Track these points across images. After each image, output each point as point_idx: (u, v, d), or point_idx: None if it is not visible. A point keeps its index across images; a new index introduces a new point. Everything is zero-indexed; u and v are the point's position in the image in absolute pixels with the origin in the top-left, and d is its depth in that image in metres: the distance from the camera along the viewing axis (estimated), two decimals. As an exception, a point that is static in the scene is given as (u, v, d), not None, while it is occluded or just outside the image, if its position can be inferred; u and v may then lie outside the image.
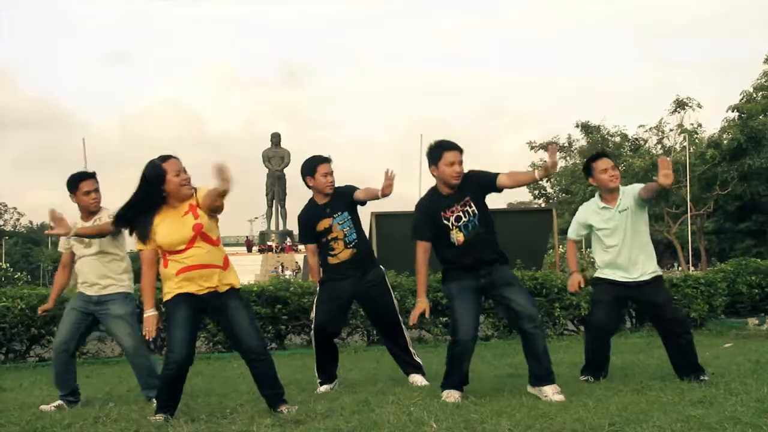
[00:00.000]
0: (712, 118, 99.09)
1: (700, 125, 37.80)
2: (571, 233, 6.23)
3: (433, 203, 5.38)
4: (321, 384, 6.18)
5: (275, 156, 44.94)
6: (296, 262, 42.42)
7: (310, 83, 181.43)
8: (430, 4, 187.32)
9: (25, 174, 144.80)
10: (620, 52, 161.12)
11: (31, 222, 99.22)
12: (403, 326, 6.47)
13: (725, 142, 36.54)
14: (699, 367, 5.69)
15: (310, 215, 6.23)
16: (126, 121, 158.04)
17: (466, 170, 5.34)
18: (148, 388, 5.86)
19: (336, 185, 6.21)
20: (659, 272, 5.95)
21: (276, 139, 45.47)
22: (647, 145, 38.54)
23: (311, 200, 6.28)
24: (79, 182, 5.88)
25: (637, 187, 5.79)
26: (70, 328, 5.94)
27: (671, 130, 37.07)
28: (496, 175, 5.29)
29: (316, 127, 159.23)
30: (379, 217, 15.67)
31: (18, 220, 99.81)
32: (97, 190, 5.91)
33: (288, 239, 48.43)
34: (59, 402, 5.85)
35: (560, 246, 28.20)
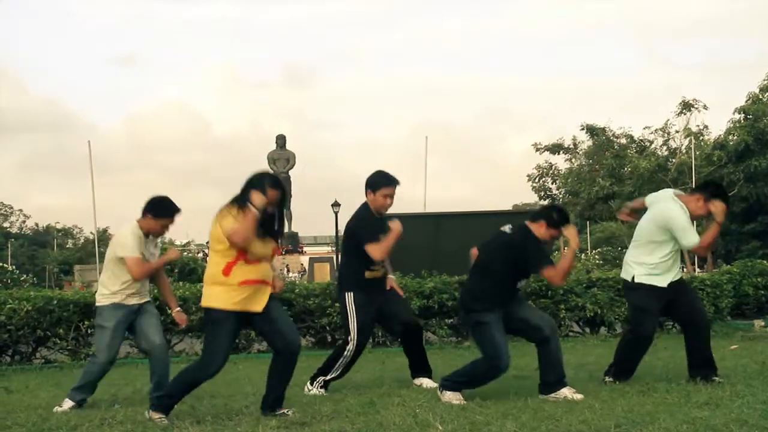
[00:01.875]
0: (718, 120, 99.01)
1: (706, 126, 37.75)
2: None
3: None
4: (322, 386, 6.18)
5: (280, 158, 44.99)
6: (301, 264, 42.42)
7: (315, 84, 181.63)
8: (434, 4, 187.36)
9: (32, 176, 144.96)
10: (625, 53, 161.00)
11: (37, 224, 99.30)
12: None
13: (731, 143, 36.47)
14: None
15: (375, 221, 6.13)
16: (132, 123, 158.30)
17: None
18: (159, 389, 5.83)
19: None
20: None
21: (281, 141, 45.52)
22: (653, 146, 38.46)
23: (367, 207, 6.21)
24: (172, 215, 5.95)
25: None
26: (118, 345, 5.96)
27: (677, 132, 37.00)
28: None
29: (320, 129, 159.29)
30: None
31: (24, 222, 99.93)
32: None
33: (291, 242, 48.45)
34: (72, 404, 5.78)
35: (565, 247, 28.20)
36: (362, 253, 6.00)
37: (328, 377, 6.16)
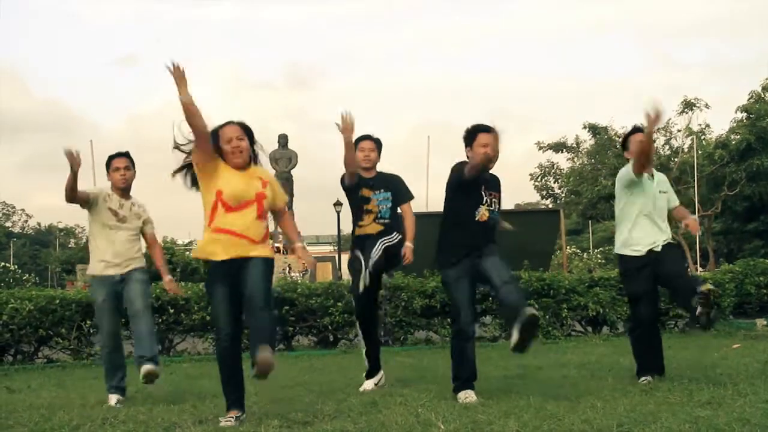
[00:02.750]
0: (719, 119, 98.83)
1: (708, 126, 37.72)
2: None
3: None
4: (367, 376, 6.18)
5: (282, 157, 44.95)
6: (303, 264, 42.40)
7: (318, 85, 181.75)
8: (436, 5, 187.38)
9: (34, 176, 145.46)
10: (626, 53, 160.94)
11: (39, 224, 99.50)
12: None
13: (733, 142, 36.45)
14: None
15: (357, 176, 6.17)
16: (135, 123, 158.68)
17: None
18: (142, 354, 5.92)
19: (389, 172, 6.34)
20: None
21: (283, 140, 45.47)
22: (655, 145, 38.45)
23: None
24: (111, 159, 6.14)
25: (671, 190, 6.14)
26: (111, 318, 6.05)
27: (679, 131, 36.99)
28: None
29: (323, 129, 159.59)
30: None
31: (26, 221, 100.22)
32: (127, 168, 6.11)
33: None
34: (117, 396, 5.94)
35: (567, 247, 28.15)
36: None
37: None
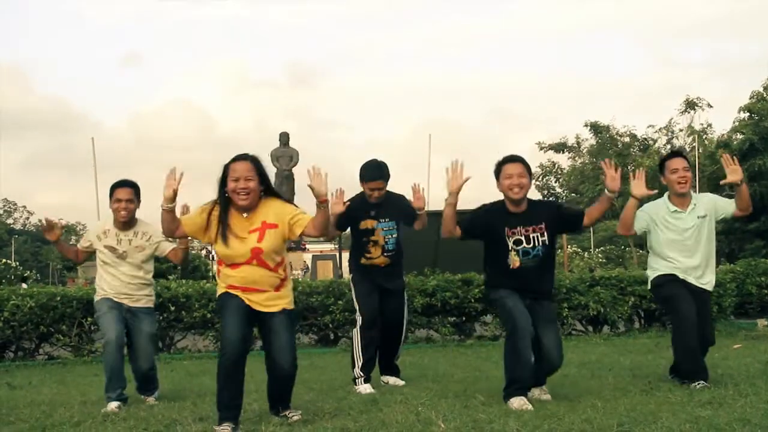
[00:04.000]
0: (722, 119, 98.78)
1: (710, 125, 37.69)
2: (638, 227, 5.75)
3: (496, 214, 5.23)
4: (365, 381, 6.07)
5: (284, 155, 44.81)
6: (304, 261, 42.41)
7: (320, 84, 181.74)
8: (439, 4, 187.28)
9: (36, 174, 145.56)
10: (628, 52, 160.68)
11: (40, 221, 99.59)
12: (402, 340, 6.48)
13: (735, 142, 36.42)
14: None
15: (354, 209, 5.98)
16: (137, 121, 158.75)
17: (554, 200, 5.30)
18: (142, 389, 5.95)
19: (394, 192, 6.24)
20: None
21: (284, 138, 45.33)
22: (657, 145, 38.43)
23: (362, 194, 6.19)
24: (114, 189, 5.81)
25: (718, 203, 5.78)
26: (116, 324, 5.73)
27: (681, 131, 36.98)
28: (582, 213, 5.31)
29: (325, 128, 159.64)
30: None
31: (27, 218, 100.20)
32: (130, 201, 5.76)
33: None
34: (117, 403, 5.56)
35: (568, 246, 28.15)
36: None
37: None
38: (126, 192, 5.77)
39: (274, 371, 4.64)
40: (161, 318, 9.67)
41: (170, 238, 5.17)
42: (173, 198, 4.56)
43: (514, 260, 5.11)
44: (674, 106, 36.48)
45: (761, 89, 37.65)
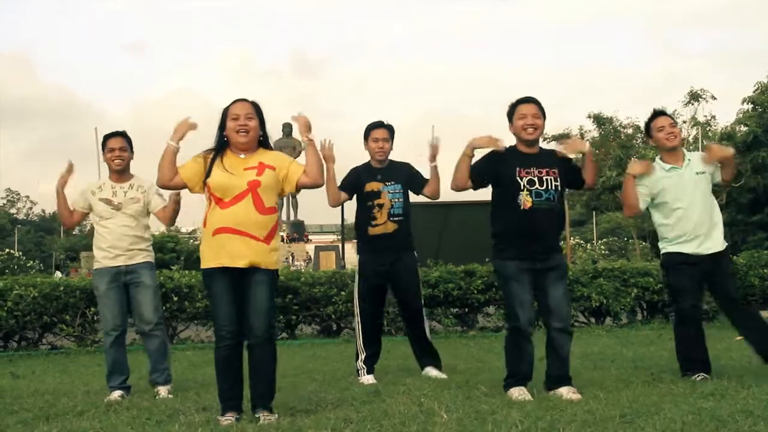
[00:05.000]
0: (726, 110, 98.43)
1: (713, 117, 37.56)
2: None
3: (508, 155, 5.03)
4: (367, 372, 6.03)
5: (286, 146, 44.87)
6: (307, 252, 42.48)
7: (324, 73, 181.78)
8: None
9: (39, 163, 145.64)
10: (632, 43, 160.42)
11: (43, 210, 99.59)
12: (424, 315, 6.40)
13: (739, 134, 36.32)
14: None
15: (359, 172, 6.09)
16: (140, 110, 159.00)
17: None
18: (157, 371, 5.78)
19: (399, 160, 6.21)
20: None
21: (287, 129, 45.40)
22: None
23: (368, 162, 6.18)
24: (106, 140, 5.82)
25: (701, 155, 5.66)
26: (116, 309, 5.71)
27: (684, 122, 36.84)
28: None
29: (329, 117, 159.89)
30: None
31: (31, 208, 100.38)
32: (123, 149, 5.77)
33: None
34: (120, 392, 5.60)
35: (571, 237, 28.14)
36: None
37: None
38: (118, 141, 5.79)
39: (249, 338, 4.46)
40: (164, 308, 9.68)
41: (163, 190, 4.94)
42: (182, 137, 4.53)
43: (526, 200, 4.92)
44: (678, 97, 36.36)
45: (766, 80, 37.51)
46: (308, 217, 59.07)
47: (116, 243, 5.72)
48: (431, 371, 6.17)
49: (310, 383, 5.83)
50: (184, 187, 4.62)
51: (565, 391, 4.89)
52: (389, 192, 6.02)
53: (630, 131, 38.57)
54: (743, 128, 36.38)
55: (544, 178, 4.96)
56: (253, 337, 4.45)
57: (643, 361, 6.63)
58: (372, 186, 6.03)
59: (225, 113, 4.54)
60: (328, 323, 10.47)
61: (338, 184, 6.06)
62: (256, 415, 4.39)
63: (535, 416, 4.15)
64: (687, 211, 5.52)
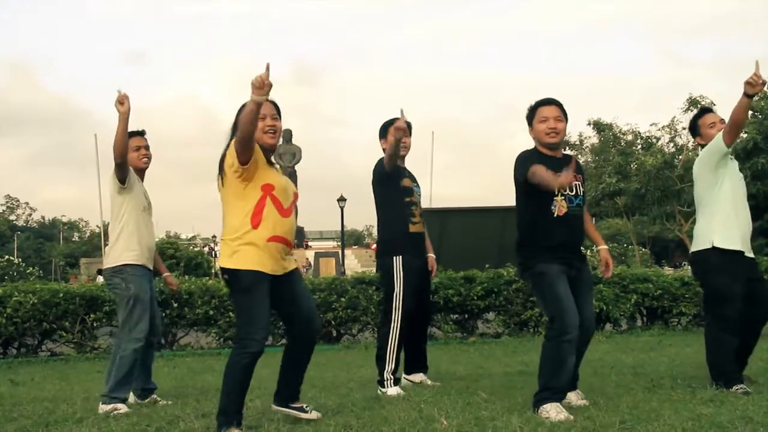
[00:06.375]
0: (726, 117, 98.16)
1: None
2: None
3: (537, 160, 4.67)
4: (394, 383, 5.62)
5: (286, 152, 44.97)
6: (307, 259, 42.49)
7: (325, 81, 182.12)
8: (442, 2, 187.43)
9: (40, 170, 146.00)
10: (632, 50, 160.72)
11: (43, 217, 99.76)
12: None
13: (738, 141, 36.37)
14: None
15: (396, 165, 5.72)
16: (141, 117, 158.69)
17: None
18: (151, 381, 5.65)
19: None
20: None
21: (287, 135, 45.48)
22: (659, 143, 38.37)
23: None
24: (131, 137, 5.37)
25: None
26: (149, 317, 5.34)
27: (684, 129, 36.88)
28: None
29: (330, 125, 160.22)
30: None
31: (30, 215, 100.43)
32: (148, 147, 5.55)
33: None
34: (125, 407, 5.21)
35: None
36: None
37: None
38: (142, 139, 5.53)
39: (303, 338, 4.38)
40: (164, 315, 9.68)
41: (244, 141, 4.07)
42: (268, 90, 3.96)
43: (561, 206, 4.66)
44: (678, 104, 36.36)
45: (765, 88, 37.58)
46: (308, 223, 59.14)
47: (151, 245, 5.46)
48: (424, 379, 6.04)
49: (309, 389, 5.82)
50: (251, 153, 4.07)
51: (575, 397, 4.84)
52: (418, 193, 5.91)
53: (630, 138, 38.62)
54: (743, 135, 36.39)
55: (573, 183, 4.71)
56: (314, 331, 4.43)
57: (643, 368, 6.62)
58: (406, 182, 5.83)
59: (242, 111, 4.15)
60: (328, 330, 10.47)
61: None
62: (293, 406, 4.41)
63: (535, 422, 4.14)
64: (741, 203, 5.29)
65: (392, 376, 5.61)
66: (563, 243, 4.69)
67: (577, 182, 4.74)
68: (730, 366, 5.11)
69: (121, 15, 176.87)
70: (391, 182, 5.73)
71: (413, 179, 5.94)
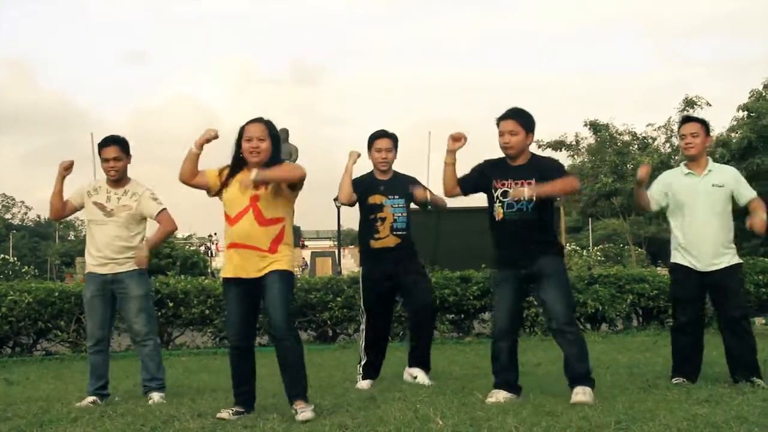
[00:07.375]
0: (721, 117, 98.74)
1: (709, 123, 37.64)
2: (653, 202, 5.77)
3: (493, 166, 5.20)
4: (363, 378, 6.02)
5: (283, 152, 44.90)
6: (303, 258, 42.44)
7: (324, 80, 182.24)
8: (440, 1, 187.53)
9: (37, 169, 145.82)
10: (629, 51, 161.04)
11: (39, 216, 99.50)
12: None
13: (734, 141, 36.38)
14: (755, 366, 5.50)
15: (363, 181, 6.06)
16: (140, 117, 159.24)
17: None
18: (149, 378, 5.78)
19: (401, 172, 6.16)
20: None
21: (284, 134, 45.16)
22: (656, 143, 38.41)
23: (371, 172, 6.15)
24: (100, 149, 5.79)
25: (741, 184, 5.74)
26: (96, 318, 5.72)
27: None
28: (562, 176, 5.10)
29: (329, 124, 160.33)
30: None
31: (26, 214, 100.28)
32: (117, 159, 5.71)
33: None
34: (93, 398, 5.63)
35: (567, 244, 28.15)
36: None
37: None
38: (112, 150, 5.74)
39: (276, 340, 4.77)
40: (160, 314, 9.66)
41: (182, 182, 4.86)
42: (203, 145, 4.80)
43: (498, 212, 5.09)
44: (674, 104, 36.36)
45: (760, 88, 37.62)
46: (305, 223, 59.10)
47: (105, 250, 5.68)
48: (420, 375, 6.04)
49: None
50: (206, 188, 4.87)
51: (573, 393, 4.93)
52: (392, 206, 5.98)
53: (626, 138, 38.66)
54: (737, 135, 36.45)
55: (508, 189, 5.04)
56: (273, 331, 4.77)
57: (639, 368, 6.63)
58: (375, 199, 5.99)
59: (241, 132, 4.81)
60: (324, 329, 10.46)
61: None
62: (293, 408, 4.60)
63: (530, 422, 4.15)
64: (693, 219, 5.58)
65: (361, 371, 6.03)
66: (506, 246, 5.12)
67: (522, 188, 4.94)
68: (676, 361, 5.70)
69: (121, 15, 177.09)
70: (359, 200, 6.06)
71: (392, 190, 6.01)
